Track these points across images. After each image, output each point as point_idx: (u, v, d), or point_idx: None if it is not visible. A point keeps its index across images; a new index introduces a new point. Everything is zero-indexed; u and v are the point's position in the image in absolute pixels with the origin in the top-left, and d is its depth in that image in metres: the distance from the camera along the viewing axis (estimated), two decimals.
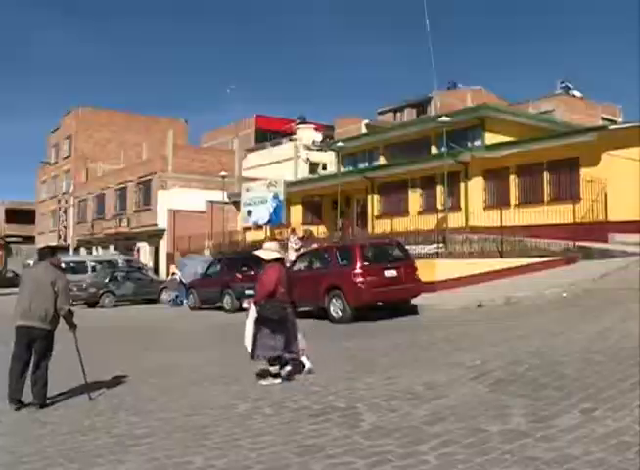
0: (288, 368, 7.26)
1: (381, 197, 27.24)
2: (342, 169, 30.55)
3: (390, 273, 13.37)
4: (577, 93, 43.64)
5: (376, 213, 26.88)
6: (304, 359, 7.51)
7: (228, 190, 33.93)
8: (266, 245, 7.75)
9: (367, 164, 29.97)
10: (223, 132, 56.57)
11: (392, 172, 26.01)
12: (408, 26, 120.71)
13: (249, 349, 7.31)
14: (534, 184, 21.79)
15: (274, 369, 7.17)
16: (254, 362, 7.39)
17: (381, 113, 47.78)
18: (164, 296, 25.51)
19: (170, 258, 32.73)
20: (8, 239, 61.34)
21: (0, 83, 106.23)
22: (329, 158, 39.04)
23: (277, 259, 7.40)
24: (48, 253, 7.18)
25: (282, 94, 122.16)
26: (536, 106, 40.19)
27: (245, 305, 7.70)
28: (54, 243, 46.94)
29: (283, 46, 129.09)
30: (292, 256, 21.72)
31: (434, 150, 26.38)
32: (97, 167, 48.57)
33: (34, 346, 6.67)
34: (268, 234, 29.81)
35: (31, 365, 6.72)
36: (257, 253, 7.75)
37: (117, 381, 7.96)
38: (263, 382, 7.10)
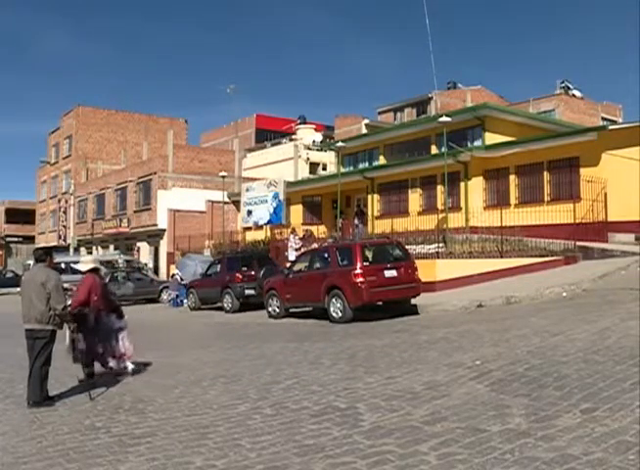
0: (112, 364, 7.97)
1: (381, 197, 27.23)
2: (342, 169, 30.54)
3: (390, 273, 13.37)
4: (577, 93, 43.68)
5: (376, 214, 26.87)
6: (128, 363, 8.22)
7: (228, 190, 33.93)
8: (82, 259, 8.64)
9: (367, 164, 29.96)
10: (223, 132, 56.65)
11: (392, 172, 26.00)
12: (408, 26, 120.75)
13: (68, 353, 7.92)
14: (534, 184, 21.77)
15: (89, 370, 7.92)
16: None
17: (381, 113, 47.84)
18: (164, 296, 25.53)
19: (170, 258, 32.73)
20: (8, 239, 61.37)
21: (0, 83, 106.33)
22: (329, 158, 39.06)
23: (93, 270, 8.14)
24: (43, 255, 7.25)
25: (282, 94, 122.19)
26: (536, 105, 40.22)
27: None
28: (54, 243, 47.00)
29: (283, 46, 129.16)
30: (292, 256, 21.72)
31: (434, 150, 26.37)
32: (97, 167, 48.59)
33: (35, 345, 6.82)
34: (268, 234, 29.82)
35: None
36: (76, 266, 8.62)
37: (117, 381, 7.95)
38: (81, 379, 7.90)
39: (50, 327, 6.81)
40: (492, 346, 8.03)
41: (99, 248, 42.45)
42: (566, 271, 16.21)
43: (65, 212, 47.17)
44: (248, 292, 18.35)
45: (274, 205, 29.96)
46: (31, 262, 32.08)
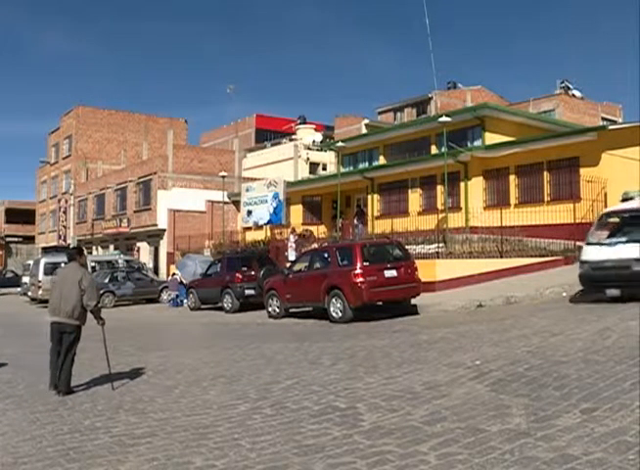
0: None
1: (381, 197, 27.23)
2: (342, 169, 30.53)
3: (390, 273, 13.37)
4: (577, 93, 43.67)
5: (376, 214, 26.87)
6: None
7: (228, 190, 33.93)
8: None
9: (367, 164, 29.95)
10: (223, 132, 56.66)
11: (392, 172, 26.00)
12: (408, 26, 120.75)
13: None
14: (534, 184, 21.77)
15: None
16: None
17: (381, 113, 47.85)
18: (164, 296, 25.54)
19: (170, 258, 32.72)
20: (8, 239, 61.37)
21: (0, 83, 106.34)
22: (329, 158, 39.07)
23: None
24: (76, 253, 7.79)
25: (282, 94, 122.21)
26: (536, 105, 40.22)
27: None
28: (54, 243, 47.00)
29: (283, 46, 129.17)
30: (292, 256, 21.74)
31: (434, 150, 26.37)
32: (97, 167, 48.58)
33: (63, 339, 7.31)
34: (268, 234, 29.82)
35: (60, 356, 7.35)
36: None
37: (117, 381, 7.94)
38: None
39: (77, 322, 7.28)
40: (492, 346, 8.03)
41: (99, 248, 42.46)
42: (566, 271, 16.19)
43: (65, 212, 47.17)
44: (248, 292, 18.36)
45: (274, 205, 29.96)
46: (31, 262, 32.31)
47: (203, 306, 20.71)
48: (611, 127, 21.47)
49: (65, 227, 46.78)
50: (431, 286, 15.52)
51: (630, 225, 11.77)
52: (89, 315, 7.51)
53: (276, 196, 29.97)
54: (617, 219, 12.54)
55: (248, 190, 32.22)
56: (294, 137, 42.55)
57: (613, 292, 11.19)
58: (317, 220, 30.64)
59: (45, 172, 55.69)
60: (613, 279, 11.05)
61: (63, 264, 28.95)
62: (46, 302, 26.48)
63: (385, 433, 4.74)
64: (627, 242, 11.17)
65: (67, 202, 47.03)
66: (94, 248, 43.07)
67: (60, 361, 7.32)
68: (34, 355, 11.30)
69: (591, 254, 11.68)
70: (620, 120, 41.17)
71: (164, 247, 34.19)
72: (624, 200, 12.84)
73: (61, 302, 7.25)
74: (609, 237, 11.87)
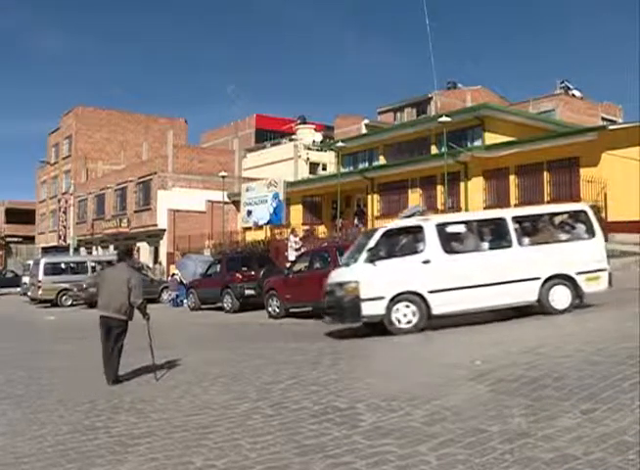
0: None
1: (381, 197, 27.23)
2: (342, 169, 30.54)
3: None
4: (577, 93, 43.62)
5: (376, 214, 26.87)
6: None
7: (228, 190, 33.93)
8: None
9: (367, 164, 29.96)
10: (223, 132, 56.59)
11: (392, 172, 26.01)
12: (408, 26, 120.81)
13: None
14: (534, 184, 21.78)
15: None
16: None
17: (381, 113, 47.77)
18: (165, 296, 25.55)
19: (170, 258, 32.72)
20: (8, 239, 61.35)
21: (0, 83, 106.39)
22: (329, 158, 39.03)
23: None
24: (126, 254, 8.44)
25: (282, 94, 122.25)
26: (536, 106, 40.18)
27: None
28: (54, 243, 46.96)
29: (283, 46, 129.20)
30: (292, 256, 21.74)
31: (433, 150, 26.39)
32: (97, 167, 48.57)
33: (111, 332, 7.87)
34: (268, 234, 29.82)
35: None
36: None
37: (116, 381, 7.94)
38: None
39: (125, 317, 7.84)
40: (492, 346, 8.03)
41: (99, 248, 42.45)
42: None
43: (65, 212, 47.14)
44: (248, 292, 18.36)
45: (274, 205, 29.97)
46: (31, 262, 32.33)
47: (203, 307, 20.71)
48: (611, 127, 21.48)
49: (65, 227, 46.73)
50: None
51: (362, 246, 10.54)
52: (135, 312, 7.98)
53: (276, 196, 29.97)
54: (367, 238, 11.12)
55: (248, 190, 32.22)
56: (293, 137, 42.51)
57: (327, 319, 10.87)
58: (317, 220, 30.64)
59: (45, 172, 55.67)
60: (327, 305, 10.60)
61: (63, 264, 28.81)
62: (46, 302, 26.64)
63: (384, 433, 4.74)
64: (347, 265, 10.49)
65: (67, 202, 46.99)
66: (94, 248, 43.07)
67: (105, 352, 7.86)
68: (34, 355, 11.32)
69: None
70: (620, 120, 41.14)
71: (164, 247, 34.19)
72: (407, 216, 11.41)
73: (110, 298, 7.81)
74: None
